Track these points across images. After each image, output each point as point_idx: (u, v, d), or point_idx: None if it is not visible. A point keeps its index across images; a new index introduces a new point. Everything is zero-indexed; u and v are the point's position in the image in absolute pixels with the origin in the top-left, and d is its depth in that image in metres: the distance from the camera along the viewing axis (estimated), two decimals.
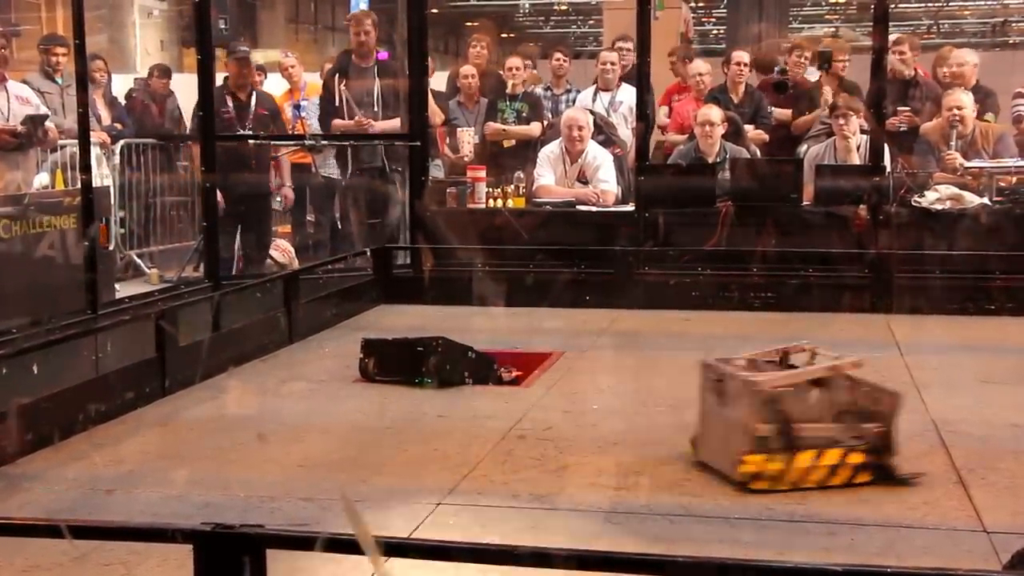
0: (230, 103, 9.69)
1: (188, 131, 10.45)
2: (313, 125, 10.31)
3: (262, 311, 7.09)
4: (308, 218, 11.19)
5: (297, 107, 10.81)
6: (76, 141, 7.75)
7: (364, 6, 19.59)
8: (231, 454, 4.85)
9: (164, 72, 12.27)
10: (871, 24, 8.79)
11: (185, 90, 10.69)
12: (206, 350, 6.17)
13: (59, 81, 9.83)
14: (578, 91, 10.81)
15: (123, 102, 11.56)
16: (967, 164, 8.63)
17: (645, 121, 8.82)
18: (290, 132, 10.67)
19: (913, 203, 8.39)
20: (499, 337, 6.75)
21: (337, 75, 9.89)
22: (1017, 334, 7.21)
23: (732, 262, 8.19)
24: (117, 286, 8.99)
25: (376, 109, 9.60)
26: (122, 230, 10.19)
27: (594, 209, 8.95)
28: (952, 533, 3.82)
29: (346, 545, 2.36)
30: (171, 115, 11.72)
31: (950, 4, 33.50)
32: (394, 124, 9.53)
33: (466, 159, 9.76)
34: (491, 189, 9.09)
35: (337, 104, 9.69)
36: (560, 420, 5.24)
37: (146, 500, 4.26)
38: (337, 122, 9.66)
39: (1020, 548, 2.60)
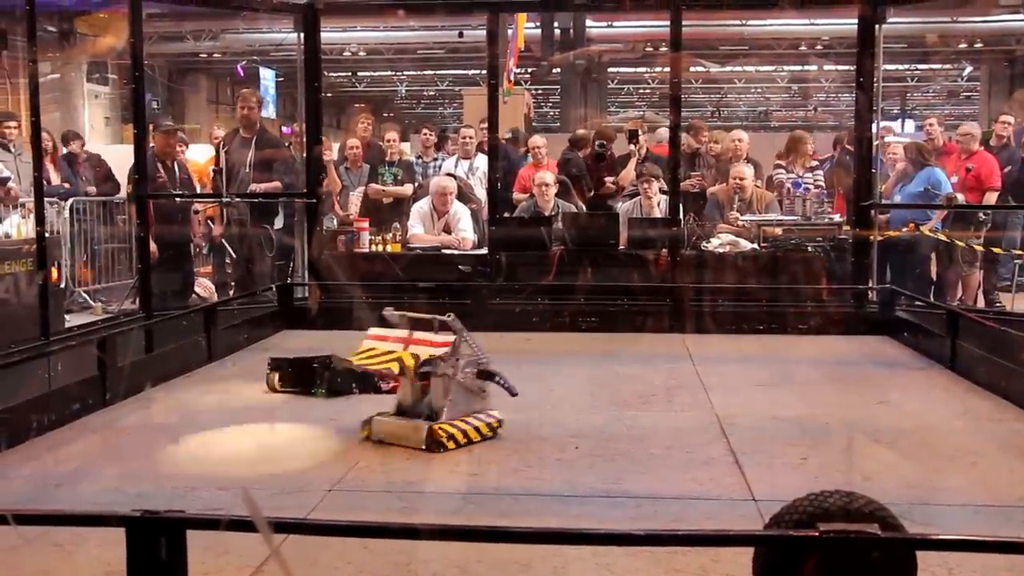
0: (161, 169, 9.43)
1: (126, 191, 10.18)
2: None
3: (186, 336, 6.93)
4: (226, 260, 11.01)
5: (217, 170, 10.63)
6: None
7: (271, 89, 19.43)
8: (161, 453, 4.71)
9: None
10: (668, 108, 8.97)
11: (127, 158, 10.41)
12: (140, 368, 6.01)
13: (12, 150, 9.51)
14: (444, 159, 10.83)
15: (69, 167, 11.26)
16: (742, 218, 8.92)
17: (495, 183, 8.87)
18: (212, 191, 10.46)
19: (701, 248, 8.63)
20: None
21: (222, 143, 9.70)
22: (780, 348, 7.43)
23: (564, 294, 8.25)
24: (67, 317, 8.71)
25: (248, 171, 9.24)
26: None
27: (456, 252, 8.98)
28: (729, 502, 3.92)
29: (247, 526, 2.32)
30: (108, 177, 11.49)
31: (727, 96, 34.72)
32: (275, 185, 9.27)
33: (352, 215, 9.74)
34: (373, 237, 9.06)
35: (219, 167, 9.46)
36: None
37: (90, 492, 4.11)
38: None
39: (776, 512, 2.61)
